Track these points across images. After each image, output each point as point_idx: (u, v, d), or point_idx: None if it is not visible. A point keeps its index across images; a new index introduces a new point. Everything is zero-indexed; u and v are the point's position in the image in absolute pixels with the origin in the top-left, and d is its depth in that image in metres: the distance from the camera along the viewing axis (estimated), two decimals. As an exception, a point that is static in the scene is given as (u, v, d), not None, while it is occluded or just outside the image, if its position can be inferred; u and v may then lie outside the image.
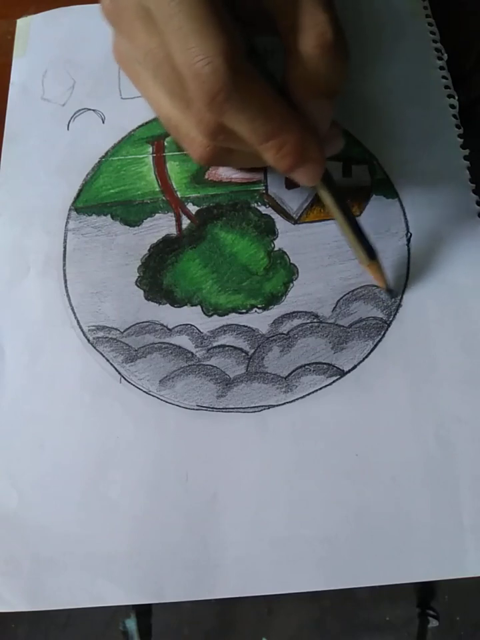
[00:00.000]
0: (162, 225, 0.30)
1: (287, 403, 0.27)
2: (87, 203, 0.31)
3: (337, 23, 0.21)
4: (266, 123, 0.21)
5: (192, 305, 0.29)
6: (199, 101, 0.21)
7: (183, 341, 0.28)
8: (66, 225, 0.31)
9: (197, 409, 0.27)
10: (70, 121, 0.33)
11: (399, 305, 0.28)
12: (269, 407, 0.27)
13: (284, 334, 0.28)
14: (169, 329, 0.28)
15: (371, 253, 0.27)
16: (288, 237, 0.30)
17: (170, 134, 0.26)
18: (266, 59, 0.24)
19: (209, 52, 0.19)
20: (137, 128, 0.33)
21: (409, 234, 0.29)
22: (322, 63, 0.22)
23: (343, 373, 0.27)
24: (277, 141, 0.22)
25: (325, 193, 0.26)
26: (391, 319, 0.28)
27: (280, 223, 0.30)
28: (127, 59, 0.25)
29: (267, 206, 0.31)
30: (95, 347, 0.28)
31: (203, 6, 0.19)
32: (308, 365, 0.27)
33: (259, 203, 0.31)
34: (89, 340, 0.28)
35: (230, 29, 0.20)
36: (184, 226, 0.30)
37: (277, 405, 0.27)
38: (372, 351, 0.28)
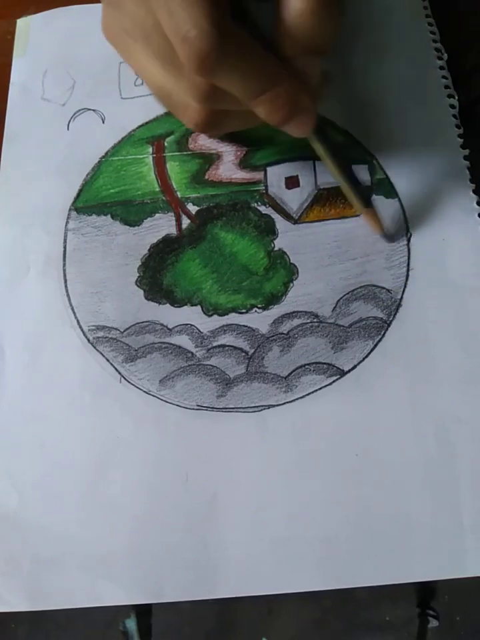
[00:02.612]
0: (162, 225, 0.30)
1: (287, 402, 0.27)
2: (87, 202, 0.31)
3: None
4: (256, 80, 0.22)
5: (192, 305, 0.29)
6: (189, 65, 0.21)
7: (183, 340, 0.28)
8: (66, 225, 0.31)
9: (197, 409, 0.27)
10: (70, 120, 0.33)
11: (399, 305, 0.28)
12: (269, 406, 0.27)
13: (284, 334, 0.28)
14: (169, 329, 0.28)
15: (366, 201, 0.28)
16: (288, 237, 0.30)
17: (163, 105, 0.26)
18: (254, 14, 0.24)
19: (194, 16, 0.19)
20: (137, 128, 0.33)
21: (409, 234, 0.29)
22: (309, 19, 0.22)
23: (343, 373, 0.27)
24: (268, 95, 0.22)
25: (318, 144, 0.27)
26: (391, 318, 0.28)
27: (280, 222, 0.30)
28: (116, 31, 0.25)
29: (267, 206, 0.31)
30: (95, 347, 0.28)
31: None
32: (308, 364, 0.27)
33: (259, 203, 0.31)
34: (89, 340, 0.28)
35: None
36: (184, 226, 0.30)
37: (277, 405, 0.27)
38: (372, 350, 0.28)
